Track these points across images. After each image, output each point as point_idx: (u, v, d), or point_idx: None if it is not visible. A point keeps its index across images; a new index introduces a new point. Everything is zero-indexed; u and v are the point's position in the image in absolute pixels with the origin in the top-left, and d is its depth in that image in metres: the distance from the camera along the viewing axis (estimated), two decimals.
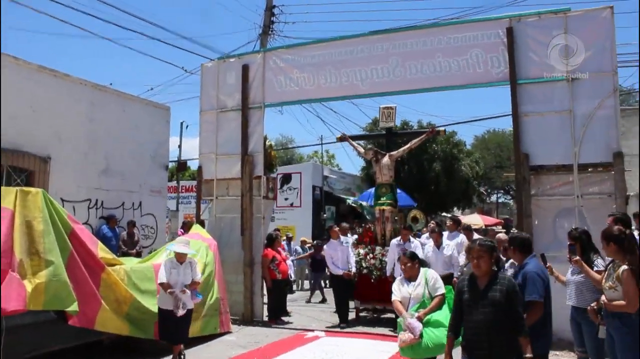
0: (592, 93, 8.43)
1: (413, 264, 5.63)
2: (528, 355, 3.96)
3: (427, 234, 11.70)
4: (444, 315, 5.24)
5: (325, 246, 10.31)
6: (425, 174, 23.93)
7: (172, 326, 6.96)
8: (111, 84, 14.35)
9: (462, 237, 9.44)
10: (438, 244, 9.31)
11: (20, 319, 5.95)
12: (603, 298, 4.66)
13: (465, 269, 8.72)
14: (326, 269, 13.57)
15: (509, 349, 4.01)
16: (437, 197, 24.32)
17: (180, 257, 7.16)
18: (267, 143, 10.90)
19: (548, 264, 5.60)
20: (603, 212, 7.98)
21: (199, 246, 8.96)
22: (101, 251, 7.12)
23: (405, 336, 5.18)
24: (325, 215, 21.98)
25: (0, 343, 5.59)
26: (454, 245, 9.21)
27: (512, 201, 52.08)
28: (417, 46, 9.54)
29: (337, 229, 10.34)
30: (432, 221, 14.29)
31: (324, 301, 13.07)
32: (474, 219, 22.29)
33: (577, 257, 5.39)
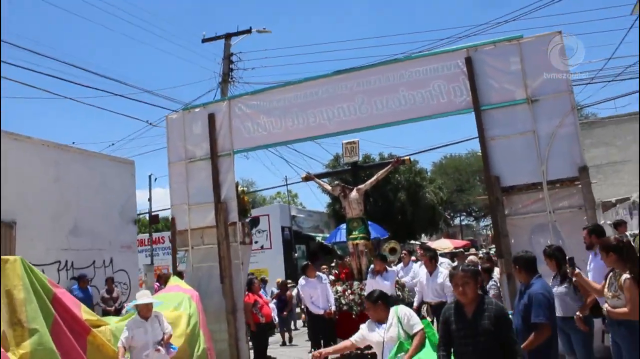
0: (552, 113, 8.77)
1: (375, 306, 5.15)
2: None
3: (401, 265, 11.87)
4: (429, 355, 4.80)
5: (303, 285, 10.14)
6: (391, 204, 24.22)
7: None
8: (74, 142, 14.18)
9: (446, 262, 9.59)
10: (431, 271, 9.35)
11: None
12: (606, 306, 4.82)
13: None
14: (296, 309, 13.56)
15: None
16: (405, 225, 24.62)
17: (145, 313, 6.70)
18: (240, 189, 10.88)
19: (577, 270, 5.67)
20: (575, 225, 8.31)
21: (180, 298, 8.82)
22: (85, 313, 6.94)
23: None
24: (296, 254, 21.91)
25: None
26: (446, 273, 9.25)
27: (474, 222, 53.14)
28: (380, 82, 9.77)
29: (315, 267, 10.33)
30: (404, 251, 14.46)
31: (290, 341, 13.00)
32: (443, 244, 22.60)
33: (577, 271, 5.59)
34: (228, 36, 15.56)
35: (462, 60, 9.27)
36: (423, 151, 28.66)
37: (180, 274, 10.63)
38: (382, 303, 5.15)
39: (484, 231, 54.95)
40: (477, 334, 3.85)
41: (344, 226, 20.42)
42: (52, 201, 12.07)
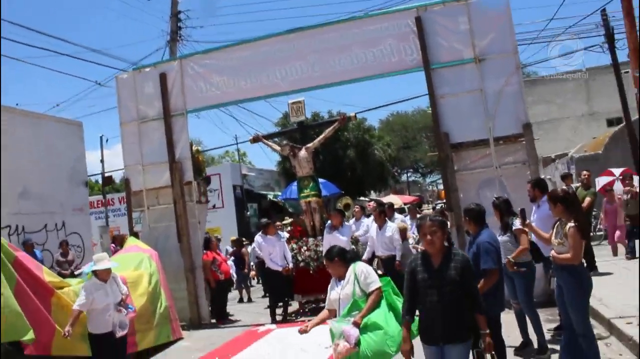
0: (498, 72, 9.13)
1: (333, 263, 4.94)
2: (485, 331, 3.94)
3: (353, 220, 12.17)
4: (382, 316, 4.64)
5: (261, 243, 10.22)
6: (340, 162, 24.55)
7: (111, 351, 6.31)
8: (17, 104, 13.71)
9: (400, 218, 9.96)
10: (380, 225, 9.63)
11: None
12: (552, 252, 5.21)
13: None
14: (252, 266, 13.75)
15: (463, 327, 3.91)
16: (355, 182, 25.05)
17: (105, 276, 6.36)
18: (194, 148, 10.89)
19: (527, 221, 6.08)
20: (520, 179, 8.88)
21: (140, 258, 8.90)
22: (47, 276, 6.96)
23: (340, 346, 4.49)
24: (248, 213, 22.08)
25: None
26: (395, 227, 9.60)
27: (421, 178, 54.43)
28: (333, 41, 9.88)
29: (273, 225, 10.51)
30: (356, 206, 14.83)
31: (249, 300, 13.27)
32: (392, 200, 23.17)
33: (528, 221, 6.04)
34: None
35: (413, 20, 9.47)
36: (372, 109, 29.08)
37: (136, 235, 10.67)
38: (339, 260, 4.91)
39: (430, 187, 56.46)
40: (444, 285, 3.87)
41: (295, 183, 20.76)
42: None
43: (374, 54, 9.69)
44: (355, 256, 5.24)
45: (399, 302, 4.67)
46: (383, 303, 4.72)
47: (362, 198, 27.56)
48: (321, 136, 11.22)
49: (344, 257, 4.95)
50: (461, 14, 9.34)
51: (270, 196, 23.88)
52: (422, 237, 4.07)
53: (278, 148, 11.45)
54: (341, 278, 4.91)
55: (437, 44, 9.39)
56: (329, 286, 5.04)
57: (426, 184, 57.48)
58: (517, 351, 6.31)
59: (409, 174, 50.49)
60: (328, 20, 10.41)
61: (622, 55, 16.95)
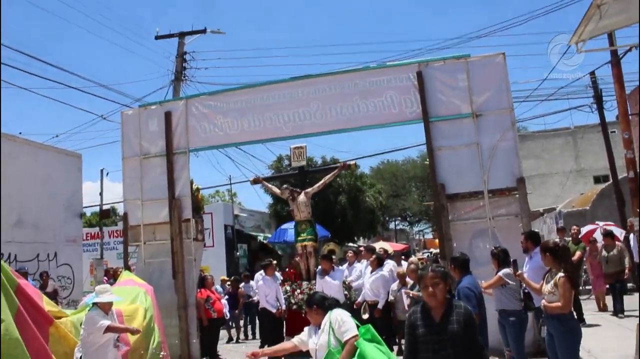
0: (494, 127, 9.49)
1: (311, 311, 4.82)
2: None
3: (346, 264, 12.29)
4: None
5: (260, 283, 10.42)
6: (331, 207, 24.77)
7: None
8: (20, 133, 13.90)
9: (391, 264, 10.15)
10: (373, 271, 9.97)
11: None
12: (543, 301, 5.45)
13: (399, 294, 9.38)
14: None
15: None
16: (345, 228, 25.23)
17: (107, 308, 6.45)
18: (194, 186, 11.06)
19: (519, 271, 6.52)
20: (512, 231, 9.17)
21: (136, 292, 8.93)
22: (47, 305, 7.02)
23: None
24: (238, 253, 22.09)
25: None
26: (384, 274, 9.86)
27: (408, 227, 54.68)
28: (336, 90, 10.23)
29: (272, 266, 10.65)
30: (349, 251, 14.95)
31: (237, 340, 13.26)
32: (383, 246, 23.24)
33: (519, 272, 6.36)
34: (182, 35, 15.59)
35: (414, 74, 9.86)
36: (365, 157, 29.40)
37: (129, 269, 10.71)
38: (317, 307, 4.77)
39: (417, 235, 56.70)
40: (445, 340, 3.63)
41: (285, 225, 20.89)
42: None
43: (375, 105, 10.03)
44: (335, 304, 4.86)
45: (377, 350, 4.49)
46: (357, 353, 4.43)
47: (350, 244, 27.68)
48: (321, 182, 11.45)
49: (322, 305, 4.77)
50: (460, 71, 9.74)
51: (261, 238, 23.95)
52: (424, 290, 3.81)
53: (278, 191, 11.59)
54: (319, 326, 4.76)
55: (436, 99, 9.75)
56: (307, 328, 4.93)
57: (413, 233, 57.77)
58: None
59: (396, 222, 50.73)
60: (332, 70, 10.75)
61: (610, 115, 17.61)
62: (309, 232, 10.85)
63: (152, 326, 8.87)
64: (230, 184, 24.61)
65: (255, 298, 12.71)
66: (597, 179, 27.96)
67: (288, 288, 10.53)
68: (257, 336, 13.43)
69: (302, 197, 10.91)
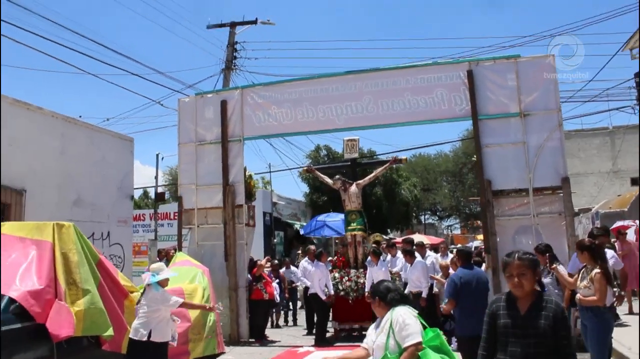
0: (541, 127, 9.78)
1: (373, 301, 4.30)
2: None
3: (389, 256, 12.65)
4: None
5: (312, 269, 10.86)
6: (367, 198, 25.03)
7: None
8: (80, 116, 14.54)
9: (433, 256, 10.54)
10: (411, 263, 10.32)
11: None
12: (578, 295, 5.90)
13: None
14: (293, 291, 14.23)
15: None
16: (379, 220, 25.56)
17: (164, 285, 6.70)
18: (247, 173, 11.54)
19: (554, 264, 7.10)
20: (554, 229, 9.48)
21: (194, 272, 9.43)
22: (122, 279, 7.55)
23: None
24: (275, 240, 22.61)
25: None
26: (424, 264, 10.33)
27: (438, 221, 54.71)
28: (387, 85, 10.60)
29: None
30: (383, 243, 15.32)
31: (278, 325, 13.62)
32: (421, 239, 23.51)
33: (554, 265, 6.85)
34: (233, 25, 16.06)
35: (464, 72, 10.17)
36: (403, 150, 29.54)
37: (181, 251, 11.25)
38: (378, 299, 4.25)
39: (446, 230, 56.65)
40: (529, 335, 3.29)
41: (321, 217, 21.33)
42: (58, 172, 12.45)
43: (425, 101, 10.38)
44: (399, 299, 4.21)
45: None
46: None
47: (382, 236, 28.01)
48: (372, 174, 11.88)
49: (384, 299, 4.22)
50: (509, 71, 10.02)
51: (297, 226, 24.44)
52: (509, 279, 3.44)
53: (330, 181, 11.91)
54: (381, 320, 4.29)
55: (485, 97, 10.06)
56: (370, 327, 4.42)
57: (442, 228, 57.73)
58: None
59: (426, 216, 50.84)
60: (385, 66, 11.08)
61: None
62: (358, 222, 11.28)
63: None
64: (270, 172, 25.12)
65: (299, 284, 13.19)
66: (635, 181, 27.74)
67: (337, 274, 10.97)
68: (297, 322, 13.87)
69: (353, 188, 11.35)
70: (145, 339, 6.25)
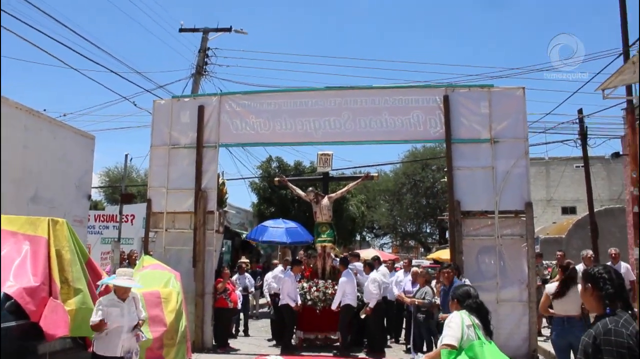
0: (509, 154, 10.37)
1: (452, 303, 4.57)
2: None
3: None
4: None
5: (285, 279, 10.99)
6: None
7: None
8: (45, 110, 14.05)
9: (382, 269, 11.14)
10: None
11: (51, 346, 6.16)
12: None
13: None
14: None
15: None
16: None
17: (123, 294, 6.06)
18: (220, 180, 11.54)
19: None
20: (516, 251, 10.07)
21: (168, 276, 9.32)
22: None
23: None
24: (223, 249, 22.38)
25: None
26: (374, 277, 10.68)
27: (373, 239, 55.64)
28: (366, 104, 10.93)
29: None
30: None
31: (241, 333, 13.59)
32: (371, 253, 23.93)
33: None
34: (206, 30, 15.99)
35: (440, 97, 10.65)
36: (348, 168, 29.75)
37: (148, 254, 11.08)
38: (456, 302, 4.49)
39: (382, 248, 57.70)
40: None
41: (267, 223, 21.27)
42: (18, 166, 12.02)
43: (402, 122, 10.77)
44: (475, 306, 4.34)
45: None
46: None
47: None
48: (344, 189, 12.19)
49: (462, 302, 4.41)
50: (483, 99, 10.59)
51: (244, 235, 24.30)
52: None
53: (302, 193, 12.05)
54: None
55: (459, 122, 10.56)
56: None
57: (376, 245, 58.76)
58: None
59: (364, 234, 51.58)
60: (365, 85, 11.42)
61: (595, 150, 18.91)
62: (329, 234, 11.51)
63: (181, 310, 9.33)
64: (224, 180, 24.83)
65: (253, 290, 13.27)
66: (565, 210, 29.45)
67: (305, 284, 11.12)
68: (249, 332, 13.64)
69: (325, 201, 11.58)
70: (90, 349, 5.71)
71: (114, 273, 6.91)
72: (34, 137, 12.44)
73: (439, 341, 4.20)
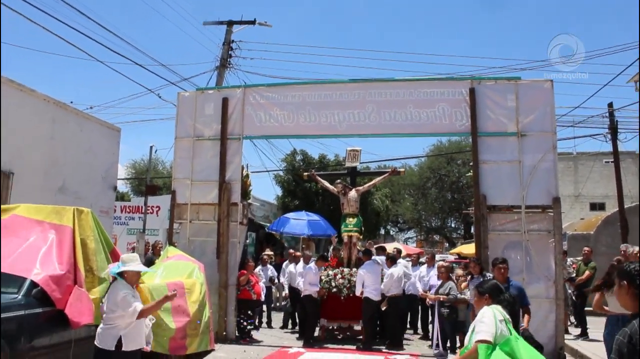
0: (536, 148, 10.17)
1: (481, 299, 4.47)
2: None
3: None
4: None
5: (312, 271, 11.03)
6: (338, 206, 25.24)
7: None
8: (72, 102, 14.26)
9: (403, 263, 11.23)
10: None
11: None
12: None
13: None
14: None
15: None
16: None
17: (134, 279, 5.64)
18: (244, 172, 11.56)
19: None
20: (543, 246, 9.87)
21: (191, 267, 9.39)
22: None
23: None
24: (247, 241, 22.51)
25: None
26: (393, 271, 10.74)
27: (397, 233, 55.45)
28: (391, 96, 10.82)
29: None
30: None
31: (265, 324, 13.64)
32: (396, 248, 23.86)
33: None
34: (230, 23, 16.04)
35: (467, 90, 10.49)
36: (372, 161, 29.69)
37: (173, 245, 11.17)
38: (488, 297, 4.42)
39: (407, 242, 57.52)
40: None
41: (288, 214, 21.37)
42: (46, 157, 12.23)
43: (427, 114, 10.63)
44: (506, 301, 4.37)
45: None
46: None
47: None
48: (371, 182, 12.19)
49: (495, 297, 4.40)
50: (510, 92, 10.39)
51: (268, 228, 24.41)
52: None
53: (331, 186, 12.15)
54: None
55: (485, 115, 10.39)
56: None
57: (400, 239, 58.61)
58: None
59: (388, 227, 51.46)
60: (390, 77, 11.32)
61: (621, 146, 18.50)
62: (355, 224, 11.57)
63: (205, 301, 9.39)
64: (248, 173, 24.97)
65: (282, 281, 13.32)
66: (593, 206, 28.94)
67: (330, 272, 11.13)
68: (272, 324, 13.73)
69: (352, 193, 11.63)
70: (113, 349, 5.10)
71: None
72: (62, 129, 12.64)
73: (467, 337, 4.23)
